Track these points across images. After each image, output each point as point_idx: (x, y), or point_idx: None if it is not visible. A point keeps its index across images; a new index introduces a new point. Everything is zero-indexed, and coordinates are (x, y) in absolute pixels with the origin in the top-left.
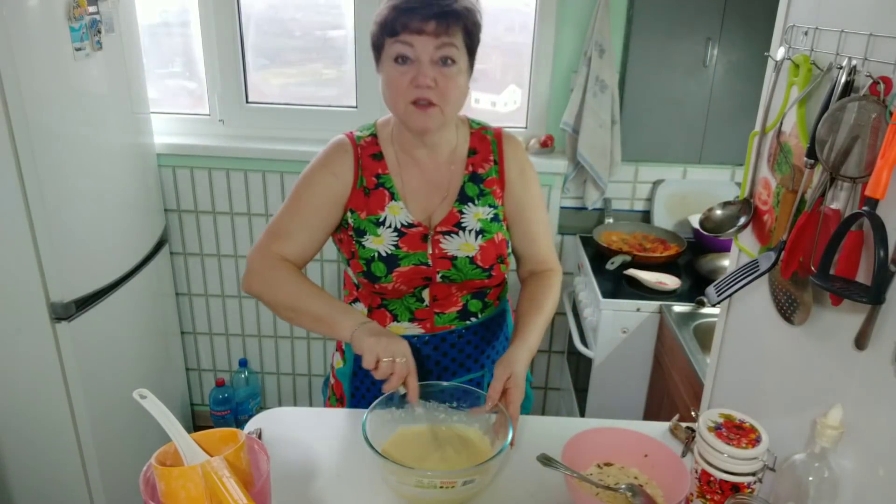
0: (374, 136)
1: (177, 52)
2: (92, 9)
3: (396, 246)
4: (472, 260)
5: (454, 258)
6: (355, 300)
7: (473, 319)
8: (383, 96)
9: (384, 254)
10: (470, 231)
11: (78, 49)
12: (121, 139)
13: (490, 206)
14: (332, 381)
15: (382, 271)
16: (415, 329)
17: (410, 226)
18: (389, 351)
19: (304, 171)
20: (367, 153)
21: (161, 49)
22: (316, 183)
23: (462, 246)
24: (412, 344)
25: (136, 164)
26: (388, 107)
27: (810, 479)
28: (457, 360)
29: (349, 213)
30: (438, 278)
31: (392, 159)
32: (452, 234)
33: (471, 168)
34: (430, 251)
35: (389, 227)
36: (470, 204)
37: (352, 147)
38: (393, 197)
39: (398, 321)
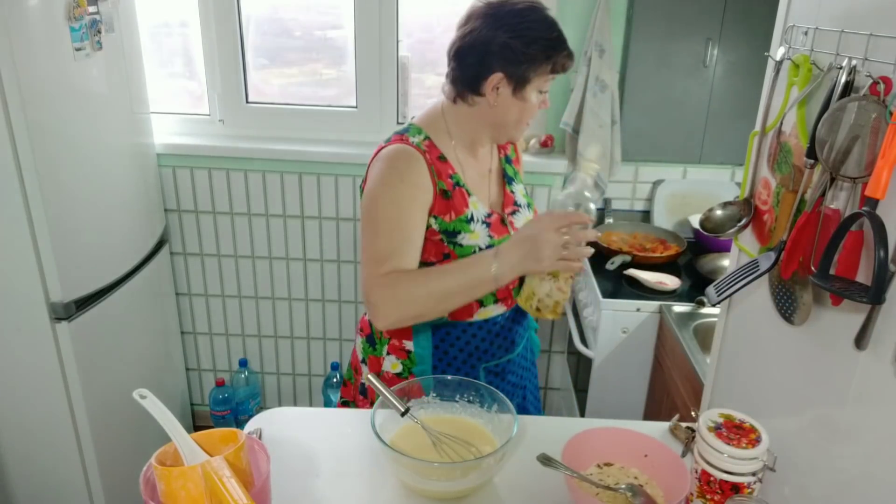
0: (428, 138)
1: (177, 52)
2: (92, 9)
3: (490, 236)
4: None
5: None
6: None
7: None
8: (504, 117)
9: (484, 246)
10: (523, 206)
11: (78, 49)
12: (121, 139)
13: (522, 182)
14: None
15: None
16: (499, 308)
17: (489, 215)
18: (545, 231)
19: (376, 191)
20: (434, 157)
21: (161, 49)
22: (403, 199)
23: (526, 220)
24: (499, 323)
25: (136, 164)
26: (500, 126)
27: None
28: (524, 334)
29: (432, 219)
30: None
31: (454, 158)
32: (517, 213)
33: (502, 152)
34: (511, 232)
35: (477, 221)
36: (513, 183)
37: (419, 154)
38: (468, 193)
39: (484, 305)
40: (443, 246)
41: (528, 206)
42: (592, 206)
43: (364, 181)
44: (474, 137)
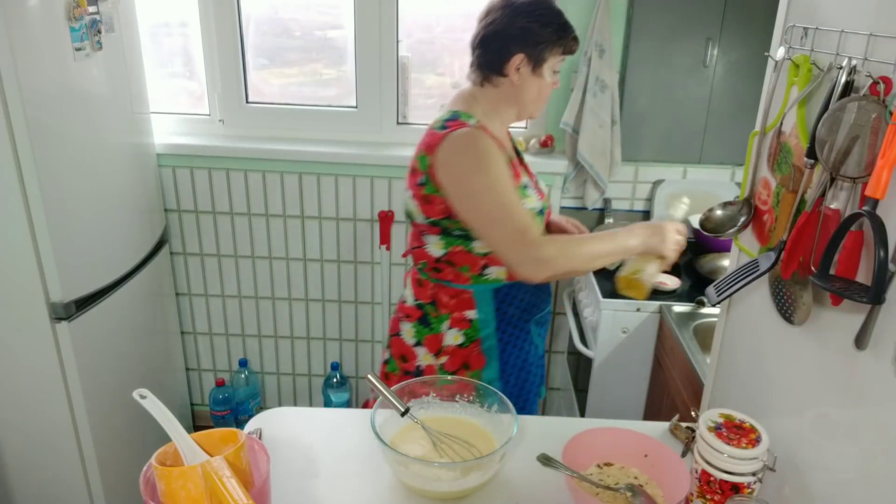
0: (479, 121)
1: (177, 52)
2: (92, 9)
3: (539, 200)
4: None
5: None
6: (483, 269)
7: None
8: (527, 96)
9: (539, 209)
10: (535, 175)
11: (78, 49)
12: (121, 139)
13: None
14: (426, 363)
15: (540, 224)
16: None
17: (530, 180)
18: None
19: (483, 173)
20: (490, 135)
21: (161, 49)
22: (504, 173)
23: (543, 187)
24: (540, 284)
25: (136, 164)
26: (521, 104)
27: None
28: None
29: None
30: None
31: (499, 135)
32: (538, 179)
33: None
34: (546, 194)
35: (528, 187)
36: (525, 155)
37: (486, 134)
38: (517, 164)
39: None
40: None
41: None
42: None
43: (430, 167)
44: (503, 118)
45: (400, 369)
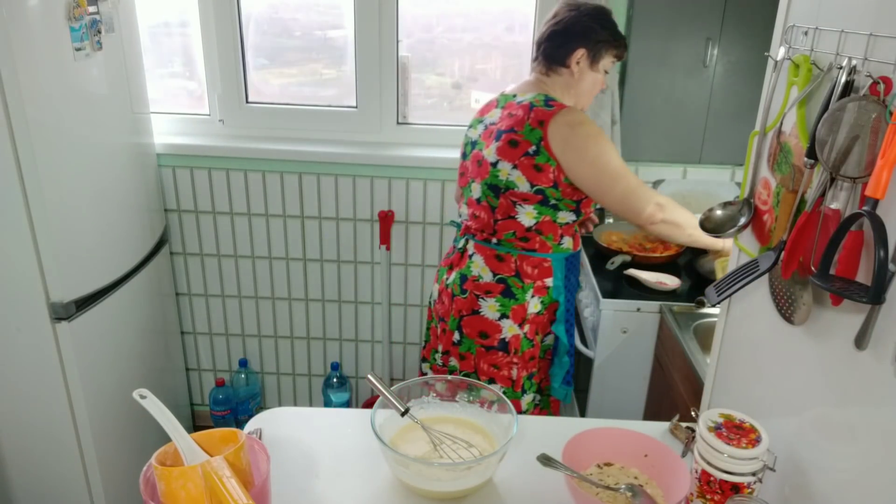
0: None
1: (177, 52)
2: (92, 9)
3: None
4: None
5: None
6: (561, 239)
7: None
8: (583, 87)
9: None
10: None
11: (78, 49)
12: (121, 139)
13: None
14: (522, 330)
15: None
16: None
17: None
18: None
19: (607, 145)
20: None
21: (161, 49)
22: (612, 145)
23: None
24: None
25: (136, 164)
26: (582, 94)
27: None
28: None
29: None
30: None
31: None
32: None
33: None
34: None
35: None
36: None
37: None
38: None
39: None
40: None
41: None
42: None
43: (544, 139)
44: (566, 104)
45: (479, 346)
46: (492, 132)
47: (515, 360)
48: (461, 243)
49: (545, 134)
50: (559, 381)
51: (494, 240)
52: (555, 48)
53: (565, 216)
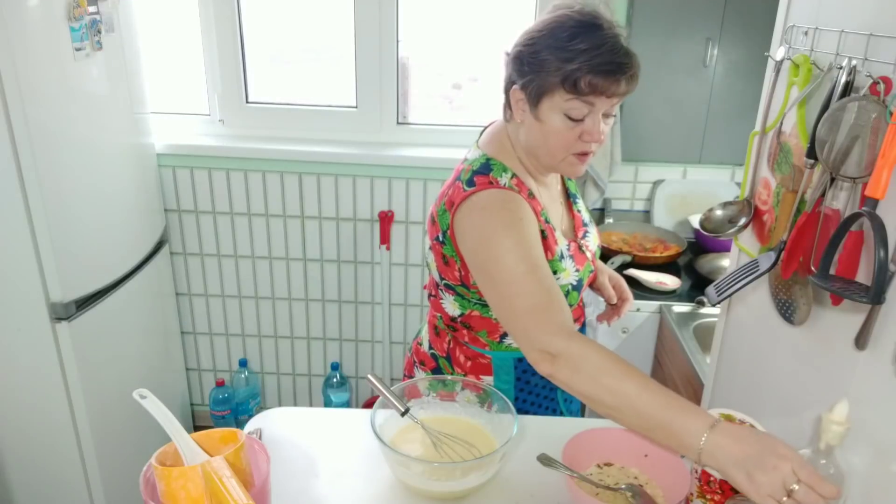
0: (515, 176)
1: (177, 52)
2: (92, 9)
3: (578, 270)
4: (599, 246)
5: (594, 253)
6: (503, 338)
7: None
8: (532, 141)
9: (575, 283)
10: (590, 223)
11: (78, 49)
12: (121, 139)
13: (580, 195)
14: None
15: (575, 299)
16: (577, 327)
17: (568, 247)
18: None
19: (506, 239)
20: (525, 196)
21: (161, 49)
22: (533, 242)
23: (593, 238)
24: None
25: (136, 164)
26: (537, 152)
27: None
28: None
29: None
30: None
31: (535, 190)
32: (587, 235)
33: None
34: (588, 257)
35: (565, 257)
36: (577, 201)
37: (519, 195)
38: (554, 228)
39: None
40: None
41: (592, 221)
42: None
43: (450, 228)
44: (533, 161)
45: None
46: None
47: None
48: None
49: (452, 222)
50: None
51: (434, 311)
52: (505, 81)
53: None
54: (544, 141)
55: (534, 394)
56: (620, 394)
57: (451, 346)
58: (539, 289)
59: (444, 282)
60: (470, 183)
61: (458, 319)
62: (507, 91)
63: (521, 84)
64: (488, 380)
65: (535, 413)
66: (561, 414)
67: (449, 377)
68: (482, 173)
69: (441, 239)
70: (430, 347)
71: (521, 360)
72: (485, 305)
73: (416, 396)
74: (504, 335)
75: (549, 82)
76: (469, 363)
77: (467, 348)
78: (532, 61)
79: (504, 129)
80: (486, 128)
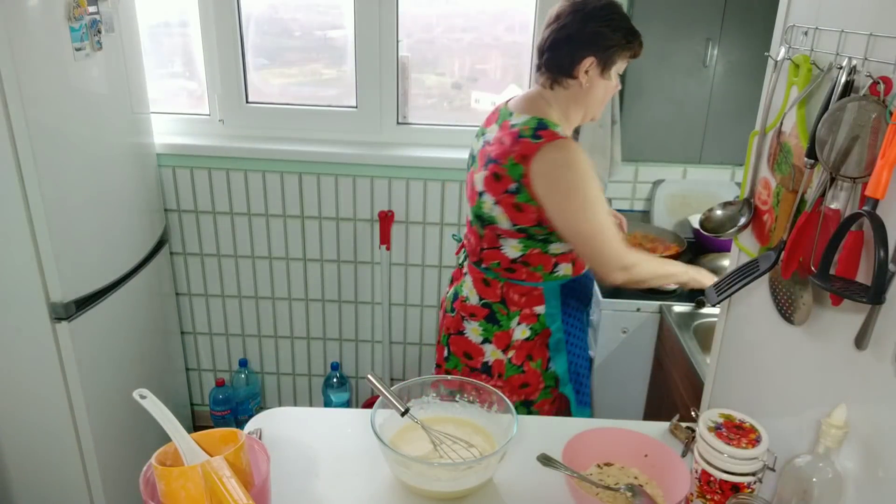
0: (563, 129)
1: (177, 52)
2: (92, 9)
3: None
4: None
5: None
6: (555, 268)
7: None
8: (590, 99)
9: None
10: None
11: (78, 49)
12: (121, 139)
13: None
14: (506, 356)
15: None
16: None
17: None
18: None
19: (580, 189)
20: None
21: (161, 49)
22: (599, 187)
23: None
24: (588, 272)
25: (136, 164)
26: (593, 106)
27: (814, 479)
28: None
29: None
30: None
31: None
32: None
33: None
34: None
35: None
36: None
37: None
38: None
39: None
40: None
41: None
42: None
43: (525, 177)
44: (571, 120)
45: (464, 366)
46: (485, 154)
47: (500, 383)
48: (461, 258)
49: (527, 171)
50: (574, 406)
51: (483, 265)
52: (559, 58)
53: (558, 247)
54: (604, 95)
55: (573, 315)
56: (656, 273)
57: (504, 290)
58: (611, 225)
59: (516, 227)
60: (536, 137)
61: (519, 260)
62: (573, 64)
63: (598, 54)
64: (540, 309)
65: (575, 333)
66: (583, 323)
67: (449, 377)
68: (543, 128)
69: (514, 189)
70: (481, 299)
71: (566, 284)
72: (546, 242)
73: (417, 396)
74: (556, 265)
75: (621, 52)
76: (523, 298)
77: (521, 286)
78: (612, 38)
79: (541, 96)
80: (507, 101)
